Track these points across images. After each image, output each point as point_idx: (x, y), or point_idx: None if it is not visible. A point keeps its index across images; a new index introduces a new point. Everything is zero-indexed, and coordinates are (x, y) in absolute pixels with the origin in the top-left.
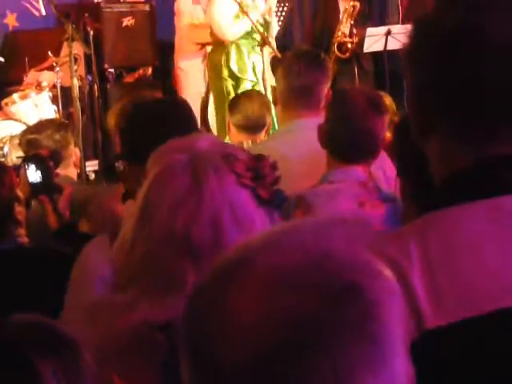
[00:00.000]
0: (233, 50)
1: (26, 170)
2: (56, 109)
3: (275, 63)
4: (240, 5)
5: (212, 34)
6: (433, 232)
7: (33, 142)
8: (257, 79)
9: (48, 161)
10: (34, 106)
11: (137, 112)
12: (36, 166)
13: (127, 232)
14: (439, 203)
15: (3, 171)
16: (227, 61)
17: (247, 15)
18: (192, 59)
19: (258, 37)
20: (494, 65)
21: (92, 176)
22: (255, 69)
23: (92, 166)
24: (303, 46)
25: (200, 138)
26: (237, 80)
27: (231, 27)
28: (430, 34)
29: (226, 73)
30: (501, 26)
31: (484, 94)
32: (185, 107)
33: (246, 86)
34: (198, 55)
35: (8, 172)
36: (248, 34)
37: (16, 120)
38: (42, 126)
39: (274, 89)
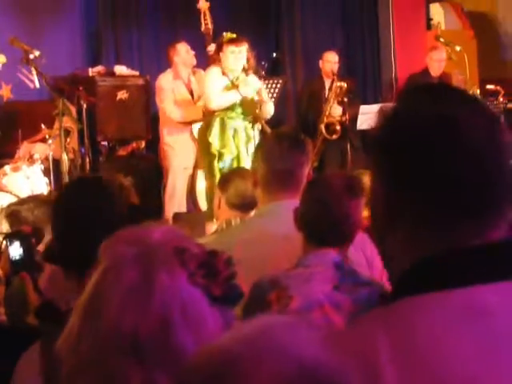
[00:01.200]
0: (216, 124)
1: (7, 246)
2: (48, 181)
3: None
4: (232, 79)
5: (204, 107)
6: (396, 321)
7: (13, 213)
8: (238, 153)
9: (30, 238)
10: (26, 178)
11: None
12: (17, 243)
13: (74, 324)
14: (401, 292)
15: None
16: (210, 134)
17: (236, 88)
18: (178, 134)
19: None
20: (467, 158)
21: None
22: (236, 141)
23: None
24: (284, 128)
25: (153, 229)
26: (219, 153)
27: (217, 96)
28: (401, 126)
29: (213, 147)
30: (471, 118)
31: (458, 189)
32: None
33: (226, 159)
34: (185, 130)
35: None
36: (238, 108)
37: (7, 192)
38: (25, 199)
39: (253, 170)
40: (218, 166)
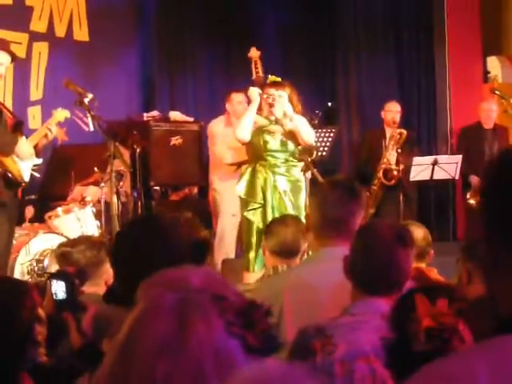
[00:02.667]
0: (247, 173)
1: (51, 286)
2: (99, 224)
3: (313, 189)
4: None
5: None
6: (495, 349)
7: (65, 254)
8: (265, 202)
9: (73, 278)
10: (77, 220)
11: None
12: (61, 283)
13: (106, 366)
14: (504, 329)
15: (24, 293)
16: (238, 182)
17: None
18: (226, 181)
19: (286, 155)
20: None
21: None
22: (265, 192)
23: None
24: (338, 177)
25: (194, 273)
26: (246, 202)
27: (238, 127)
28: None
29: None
30: None
31: None
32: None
33: (253, 207)
34: (234, 177)
35: (29, 293)
36: (279, 153)
37: (58, 233)
38: (77, 240)
39: (307, 216)
40: (246, 214)
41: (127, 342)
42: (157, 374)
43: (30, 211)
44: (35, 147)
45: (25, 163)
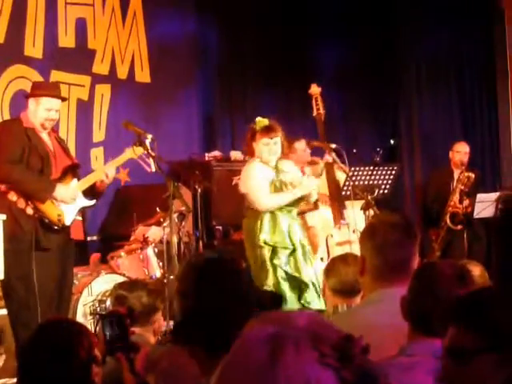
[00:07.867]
0: (266, 219)
1: (102, 327)
2: (161, 264)
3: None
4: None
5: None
6: None
7: (121, 298)
8: (294, 246)
9: (125, 318)
10: (139, 260)
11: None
12: (113, 324)
13: None
14: None
15: (82, 334)
16: (261, 230)
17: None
18: None
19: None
20: None
21: None
22: (291, 236)
23: None
24: (392, 216)
25: (300, 315)
26: (274, 249)
27: (269, 198)
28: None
29: (261, 240)
30: None
31: None
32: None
33: (283, 254)
34: None
35: (87, 334)
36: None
37: (120, 274)
38: (134, 285)
39: (362, 258)
40: (268, 260)
41: (221, 379)
42: None
43: (95, 257)
44: (93, 188)
45: (68, 206)
